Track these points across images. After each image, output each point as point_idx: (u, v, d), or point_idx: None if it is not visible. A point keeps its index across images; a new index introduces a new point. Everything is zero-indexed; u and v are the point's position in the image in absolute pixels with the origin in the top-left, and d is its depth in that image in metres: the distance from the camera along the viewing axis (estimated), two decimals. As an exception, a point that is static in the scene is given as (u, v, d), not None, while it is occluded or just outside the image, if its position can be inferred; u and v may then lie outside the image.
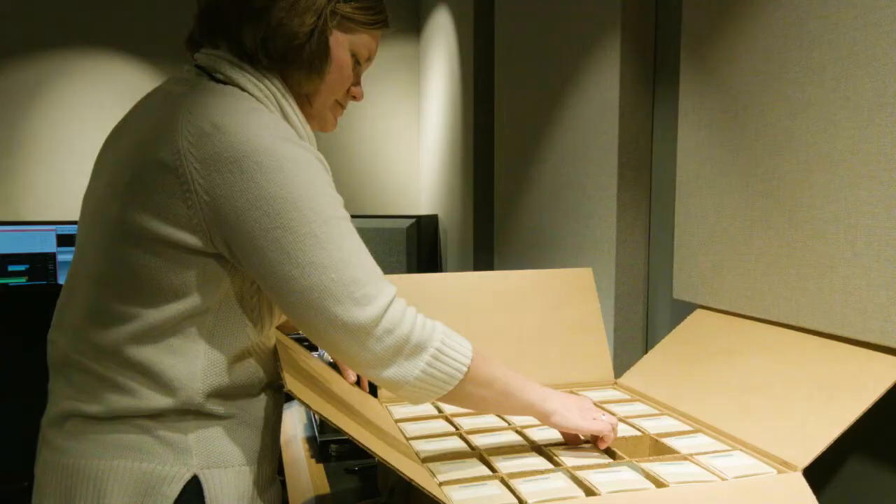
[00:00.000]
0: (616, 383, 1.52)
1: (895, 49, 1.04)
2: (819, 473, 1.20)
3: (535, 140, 2.32)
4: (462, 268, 3.12)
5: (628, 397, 1.42)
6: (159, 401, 0.96)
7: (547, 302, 1.53)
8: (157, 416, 0.97)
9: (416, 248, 3.36)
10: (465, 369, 0.99)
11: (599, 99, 1.88)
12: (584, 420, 1.10)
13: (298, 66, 1.02)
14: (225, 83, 1.00)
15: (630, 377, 1.50)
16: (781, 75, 1.26)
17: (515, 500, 0.95)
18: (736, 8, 1.38)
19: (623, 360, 1.81)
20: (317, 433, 1.63)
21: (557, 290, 1.55)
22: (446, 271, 3.43)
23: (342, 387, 1.23)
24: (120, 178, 0.96)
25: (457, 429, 1.24)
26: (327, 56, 1.03)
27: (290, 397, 1.03)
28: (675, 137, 1.62)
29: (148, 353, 0.96)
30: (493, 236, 2.81)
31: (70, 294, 1.02)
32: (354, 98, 1.13)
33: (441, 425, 1.27)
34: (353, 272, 0.94)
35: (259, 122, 0.93)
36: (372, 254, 1.19)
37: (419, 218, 3.41)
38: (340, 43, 1.05)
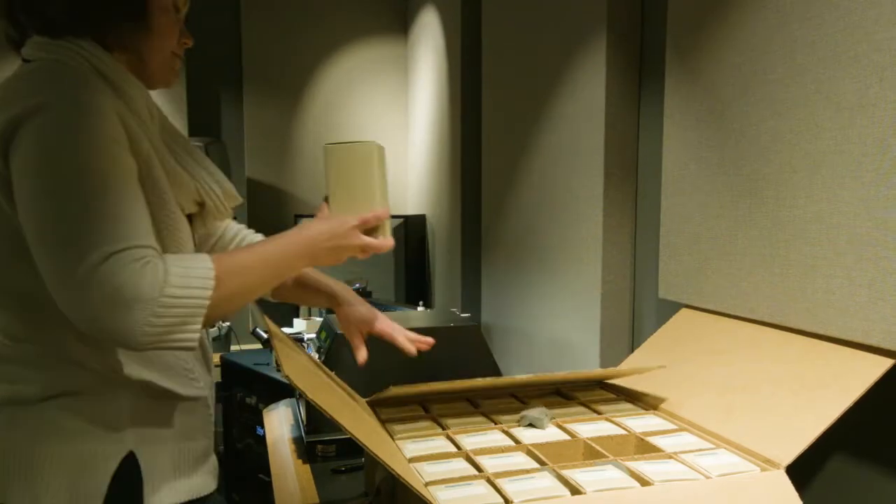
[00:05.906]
0: (601, 382, 1.53)
1: (876, 51, 1.05)
2: (802, 471, 1.21)
3: (522, 140, 2.32)
4: (449, 267, 3.12)
5: (614, 396, 1.43)
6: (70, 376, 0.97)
7: None
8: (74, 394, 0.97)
9: (404, 247, 3.36)
10: (207, 297, 0.90)
11: (586, 100, 1.88)
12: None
13: (118, 21, 0.99)
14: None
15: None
16: (765, 76, 1.27)
17: (501, 500, 0.95)
18: (720, 10, 1.39)
19: (609, 359, 1.82)
20: (303, 434, 1.62)
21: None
22: (434, 271, 3.43)
23: (329, 384, 1.23)
24: None
25: (444, 429, 1.24)
26: (145, 2, 1.00)
27: (273, 398, 1.03)
28: (661, 138, 1.63)
29: (43, 330, 0.97)
30: (481, 236, 2.81)
31: None
32: (187, 44, 1.10)
33: (428, 426, 1.27)
34: (82, 214, 0.86)
35: (43, 75, 0.93)
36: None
37: (407, 218, 3.40)
38: None
